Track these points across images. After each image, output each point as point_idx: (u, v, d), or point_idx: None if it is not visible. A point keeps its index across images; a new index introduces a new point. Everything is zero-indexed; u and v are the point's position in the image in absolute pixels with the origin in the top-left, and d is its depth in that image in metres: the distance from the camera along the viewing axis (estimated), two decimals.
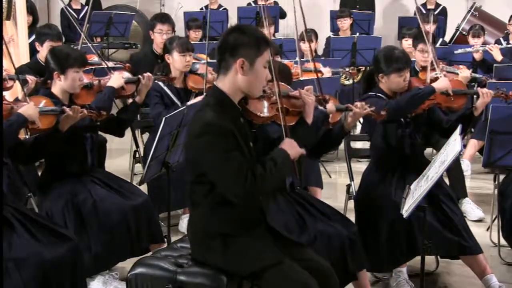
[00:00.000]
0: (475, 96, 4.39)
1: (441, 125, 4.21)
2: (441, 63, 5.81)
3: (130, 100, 4.74)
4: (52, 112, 3.87)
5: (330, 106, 3.76)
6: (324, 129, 3.84)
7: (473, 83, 6.36)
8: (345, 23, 8.71)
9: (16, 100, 4.14)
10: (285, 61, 5.37)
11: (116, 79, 4.44)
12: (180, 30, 7.81)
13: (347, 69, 7.02)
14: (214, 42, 7.60)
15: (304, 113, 3.35)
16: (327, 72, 6.17)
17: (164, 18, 6.51)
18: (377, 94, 4.15)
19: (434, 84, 4.23)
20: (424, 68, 5.39)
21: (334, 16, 9.09)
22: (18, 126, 3.71)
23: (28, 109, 3.73)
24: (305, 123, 3.32)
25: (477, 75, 5.93)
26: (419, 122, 4.19)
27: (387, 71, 4.11)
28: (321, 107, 3.73)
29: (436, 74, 4.65)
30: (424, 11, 9.24)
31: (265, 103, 3.19)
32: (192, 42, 6.25)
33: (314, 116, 3.67)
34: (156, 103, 5.10)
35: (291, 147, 2.97)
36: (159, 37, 6.33)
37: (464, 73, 5.78)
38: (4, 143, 3.48)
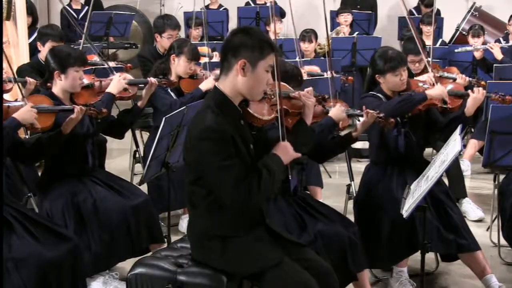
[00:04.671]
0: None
1: (436, 126, 4.21)
2: (438, 68, 5.76)
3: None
4: (50, 111, 3.85)
5: (339, 112, 3.74)
6: (331, 135, 3.84)
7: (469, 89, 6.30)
8: (347, 19, 8.71)
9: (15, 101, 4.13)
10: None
11: (116, 85, 4.39)
12: (180, 31, 7.80)
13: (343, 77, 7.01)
14: (214, 42, 7.63)
15: (303, 114, 3.32)
16: (313, 70, 6.16)
17: (174, 22, 6.51)
18: (375, 94, 4.17)
19: (428, 92, 4.17)
20: (418, 75, 5.32)
21: (334, 16, 9.08)
22: (11, 130, 3.63)
23: (23, 113, 3.66)
24: (304, 124, 3.30)
25: (472, 80, 5.85)
26: (417, 122, 4.18)
27: (382, 71, 4.13)
28: (327, 107, 3.73)
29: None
30: (415, 13, 9.25)
31: (266, 105, 3.16)
32: (193, 41, 6.25)
33: (321, 124, 3.67)
34: (163, 96, 5.06)
35: (285, 152, 2.96)
36: (168, 41, 6.31)
37: (462, 80, 5.66)
38: None
